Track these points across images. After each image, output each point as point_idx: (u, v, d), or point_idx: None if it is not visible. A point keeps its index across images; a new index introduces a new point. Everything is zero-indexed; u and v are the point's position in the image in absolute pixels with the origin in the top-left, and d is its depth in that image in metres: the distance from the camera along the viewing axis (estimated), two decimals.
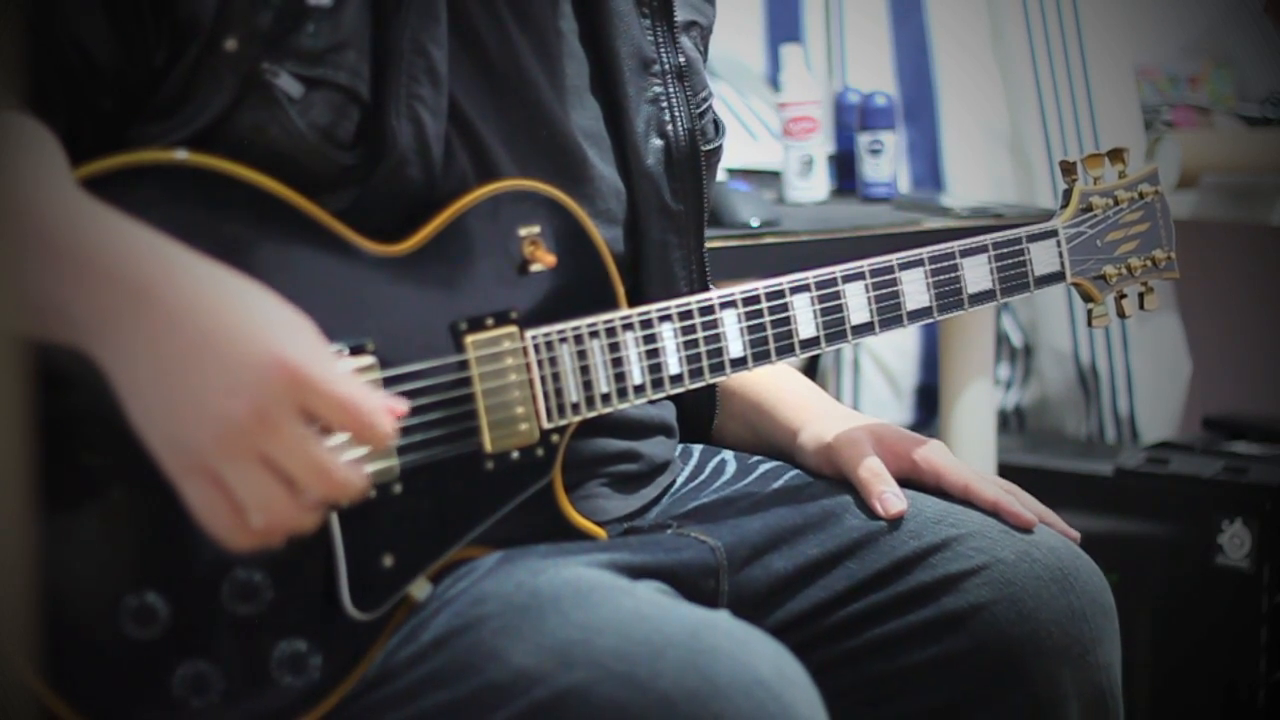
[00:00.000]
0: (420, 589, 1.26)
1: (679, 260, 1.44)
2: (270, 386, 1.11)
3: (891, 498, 1.40)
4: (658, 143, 1.43)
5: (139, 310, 1.11)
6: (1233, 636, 2.68)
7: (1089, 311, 1.52)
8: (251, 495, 1.12)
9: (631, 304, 1.37)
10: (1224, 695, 2.69)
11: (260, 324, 1.12)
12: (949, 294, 1.43)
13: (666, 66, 1.44)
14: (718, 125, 1.51)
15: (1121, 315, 1.53)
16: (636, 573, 1.30)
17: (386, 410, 1.14)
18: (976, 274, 1.44)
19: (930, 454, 1.45)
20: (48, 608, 1.13)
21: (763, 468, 1.47)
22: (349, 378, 1.14)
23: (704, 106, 1.48)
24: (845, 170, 2.70)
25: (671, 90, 1.44)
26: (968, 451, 2.50)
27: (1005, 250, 1.45)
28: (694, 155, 1.45)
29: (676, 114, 1.44)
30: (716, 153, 1.50)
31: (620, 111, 1.42)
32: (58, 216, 1.14)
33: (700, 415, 1.53)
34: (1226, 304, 3.32)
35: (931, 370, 3.14)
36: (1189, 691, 2.72)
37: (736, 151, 2.82)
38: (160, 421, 1.12)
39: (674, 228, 1.44)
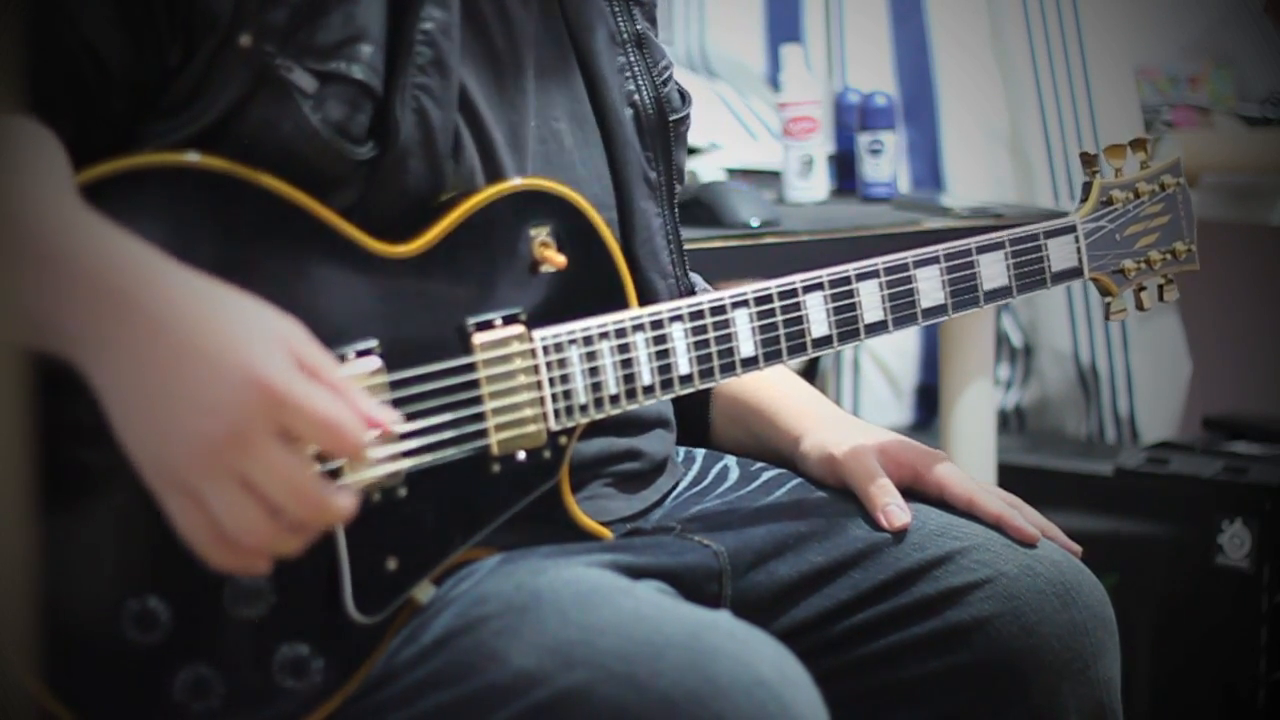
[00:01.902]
0: (424, 592, 1.26)
1: (659, 229, 1.44)
2: (246, 406, 1.10)
3: (895, 510, 1.40)
4: (628, 112, 1.44)
5: (122, 320, 1.11)
6: (1233, 636, 2.68)
7: (1106, 305, 1.50)
8: (229, 515, 1.11)
9: None
10: (1224, 695, 2.69)
11: (240, 339, 1.11)
12: (964, 291, 1.42)
13: (626, 36, 1.45)
14: (683, 95, 1.51)
15: (1140, 308, 1.52)
16: (638, 574, 1.30)
17: (367, 424, 1.13)
18: (993, 271, 1.43)
19: (933, 465, 1.44)
20: (49, 613, 1.12)
21: (766, 475, 1.47)
22: (328, 394, 1.12)
23: (666, 75, 1.48)
24: (845, 170, 2.69)
25: (633, 59, 1.45)
26: (968, 452, 2.49)
27: (1022, 247, 1.45)
28: (663, 123, 1.45)
29: (641, 82, 1.44)
30: (684, 122, 1.49)
31: (600, 83, 1.43)
32: (49, 225, 1.13)
33: (693, 413, 1.52)
34: (1226, 304, 3.32)
35: (931, 370, 3.14)
36: (1189, 691, 2.72)
37: (736, 151, 2.82)
38: (141, 435, 1.11)
39: (653, 196, 1.44)
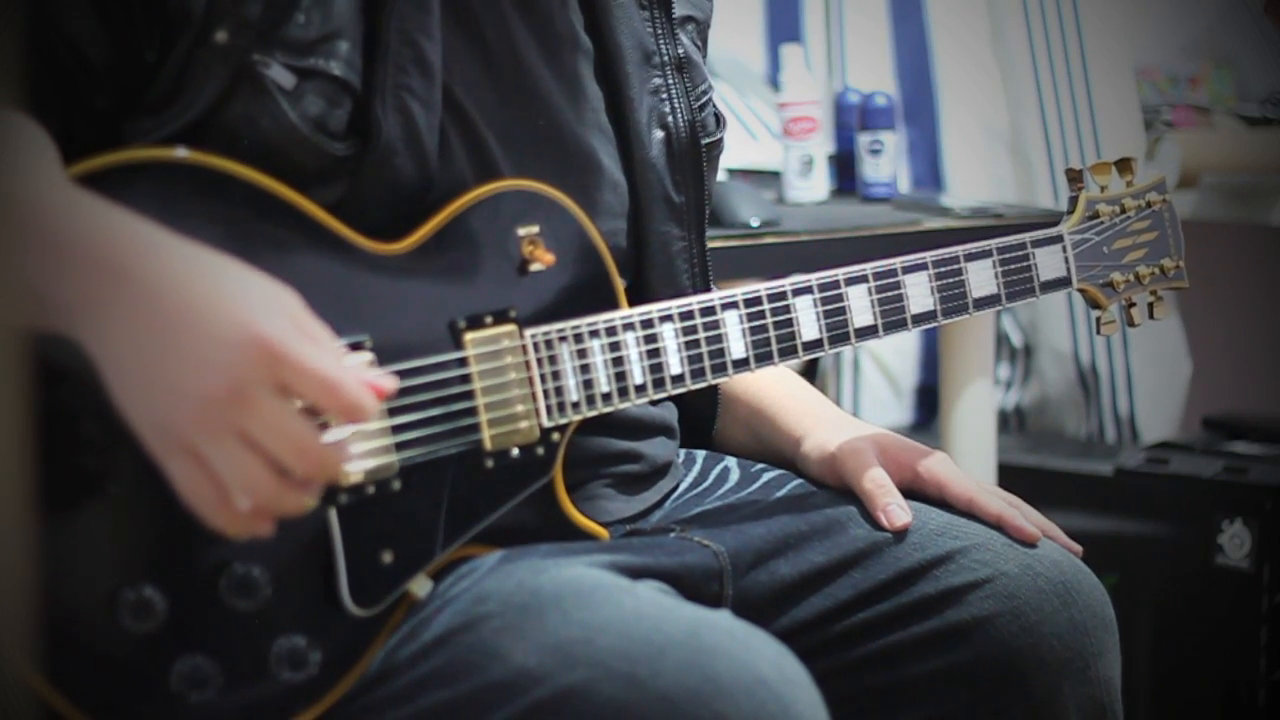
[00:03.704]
0: (420, 586, 1.26)
1: (681, 253, 1.45)
2: (245, 362, 1.10)
3: (896, 510, 1.40)
4: (659, 134, 1.44)
5: (117, 290, 1.11)
6: (1233, 636, 2.68)
7: (1097, 319, 1.52)
8: (233, 473, 1.11)
9: (634, 297, 1.37)
10: (1224, 695, 2.69)
11: (237, 299, 1.12)
12: (954, 298, 1.43)
13: (666, 58, 1.45)
14: (719, 119, 1.51)
15: (1131, 324, 1.53)
16: (638, 574, 1.30)
17: (367, 387, 1.13)
18: (981, 278, 1.44)
19: (934, 465, 1.44)
20: (45, 602, 1.13)
21: (766, 476, 1.47)
22: (328, 354, 1.13)
23: (704, 99, 1.48)
24: (845, 170, 2.70)
25: (671, 82, 1.45)
26: (968, 452, 2.50)
27: (1010, 255, 1.46)
28: (695, 147, 1.45)
29: (677, 105, 1.44)
30: (717, 145, 1.50)
31: (624, 101, 1.43)
32: (43, 203, 1.14)
33: (701, 417, 1.53)
34: (1226, 304, 3.32)
35: (931, 370, 3.14)
36: (1189, 691, 2.72)
37: (736, 151, 2.82)
38: (141, 400, 1.11)
39: (676, 219, 1.44)
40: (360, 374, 1.14)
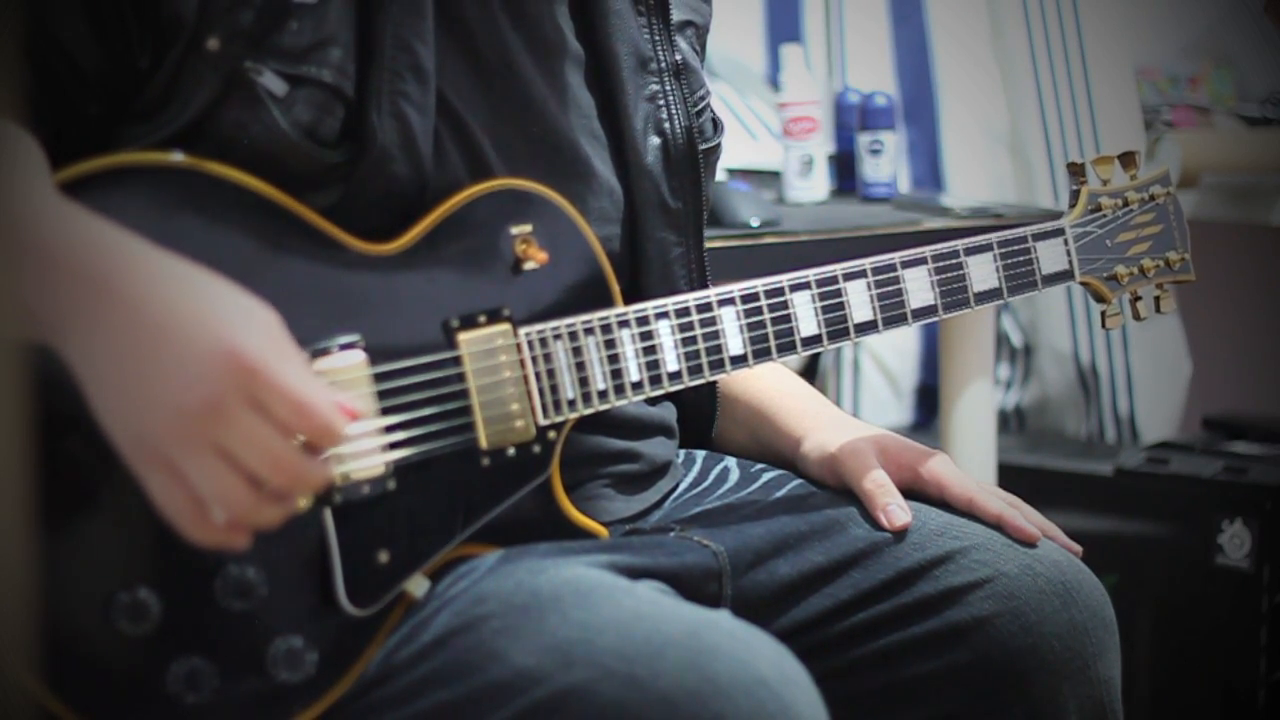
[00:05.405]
0: (417, 586, 1.26)
1: (678, 259, 1.44)
2: (222, 378, 1.10)
3: (896, 510, 1.40)
4: (655, 140, 1.43)
5: (98, 303, 1.12)
6: (1233, 636, 2.68)
7: (1102, 313, 1.51)
8: (209, 487, 1.11)
9: (631, 303, 1.37)
10: (1224, 695, 2.69)
11: (216, 315, 1.12)
12: (954, 292, 1.43)
13: (663, 64, 1.44)
14: (716, 124, 1.51)
15: (1136, 317, 1.53)
16: (638, 574, 1.30)
17: (340, 409, 1.14)
18: (982, 272, 1.44)
19: (934, 465, 1.44)
20: (41, 606, 1.13)
21: (766, 476, 1.47)
22: (303, 374, 1.13)
23: (701, 105, 1.48)
24: (845, 170, 2.70)
25: (669, 88, 1.44)
26: (968, 452, 2.49)
27: (1011, 249, 1.45)
28: (692, 153, 1.45)
29: (674, 112, 1.44)
30: (715, 151, 1.50)
31: (619, 108, 1.42)
32: (27, 214, 1.14)
33: (701, 417, 1.53)
34: (1226, 304, 3.32)
35: (931, 370, 3.14)
36: (1189, 691, 2.72)
37: (736, 151, 2.82)
38: (119, 413, 1.12)
39: (673, 226, 1.44)
40: (333, 395, 1.14)
